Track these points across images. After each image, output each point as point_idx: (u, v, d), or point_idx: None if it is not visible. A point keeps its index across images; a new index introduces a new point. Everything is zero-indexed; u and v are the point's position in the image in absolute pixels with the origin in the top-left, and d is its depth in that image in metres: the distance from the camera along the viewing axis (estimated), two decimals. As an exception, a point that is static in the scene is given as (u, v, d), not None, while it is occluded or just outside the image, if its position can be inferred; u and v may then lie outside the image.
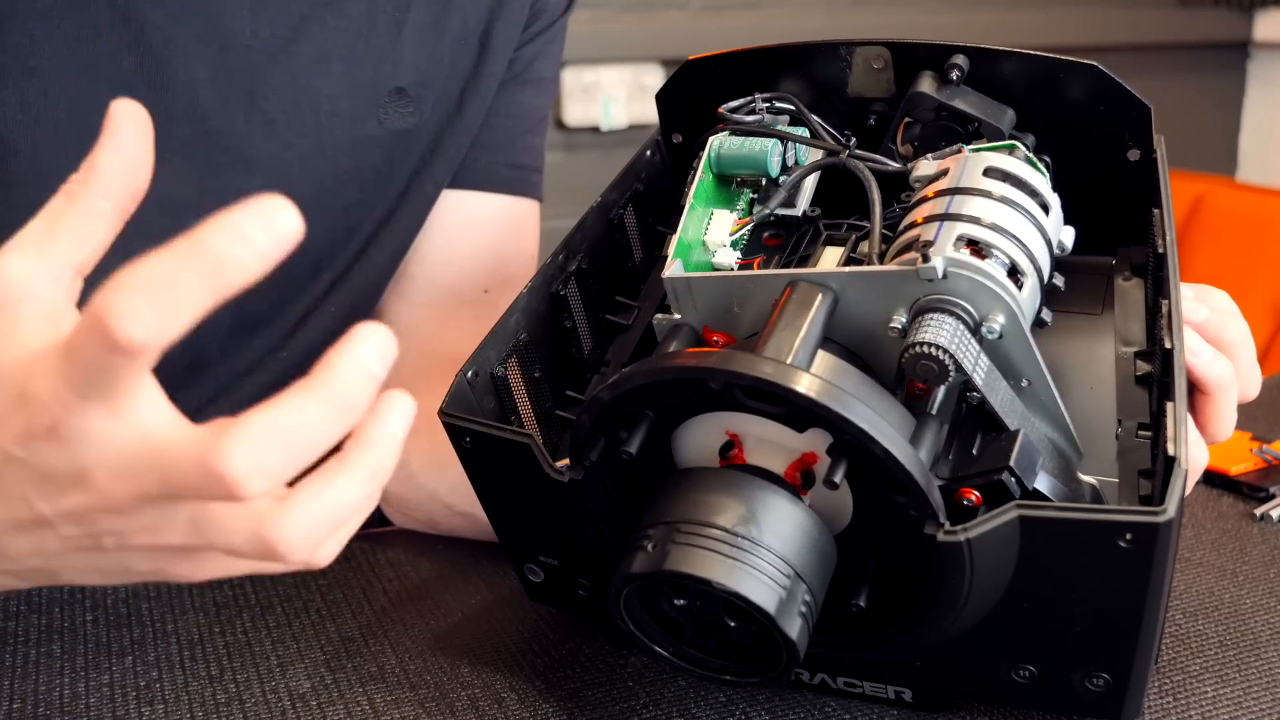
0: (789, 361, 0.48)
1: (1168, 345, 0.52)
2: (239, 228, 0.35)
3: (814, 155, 0.60)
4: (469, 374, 0.59)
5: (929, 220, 0.52)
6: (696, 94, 0.65)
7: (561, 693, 0.57)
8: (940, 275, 0.49)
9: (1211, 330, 0.56)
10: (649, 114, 2.11)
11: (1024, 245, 0.51)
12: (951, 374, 0.49)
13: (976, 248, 0.50)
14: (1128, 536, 0.45)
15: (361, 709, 0.56)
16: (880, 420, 0.46)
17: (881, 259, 0.54)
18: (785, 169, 0.60)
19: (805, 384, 0.46)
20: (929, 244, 0.50)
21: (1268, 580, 0.68)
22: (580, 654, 0.60)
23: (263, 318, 0.71)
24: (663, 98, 0.67)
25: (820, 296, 0.51)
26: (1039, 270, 0.52)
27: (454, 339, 0.75)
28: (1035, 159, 0.56)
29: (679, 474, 0.50)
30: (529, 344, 0.61)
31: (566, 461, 0.53)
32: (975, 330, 0.50)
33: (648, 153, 0.67)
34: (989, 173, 0.53)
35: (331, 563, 0.69)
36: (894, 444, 0.46)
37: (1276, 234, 2.11)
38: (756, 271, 0.53)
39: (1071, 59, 0.57)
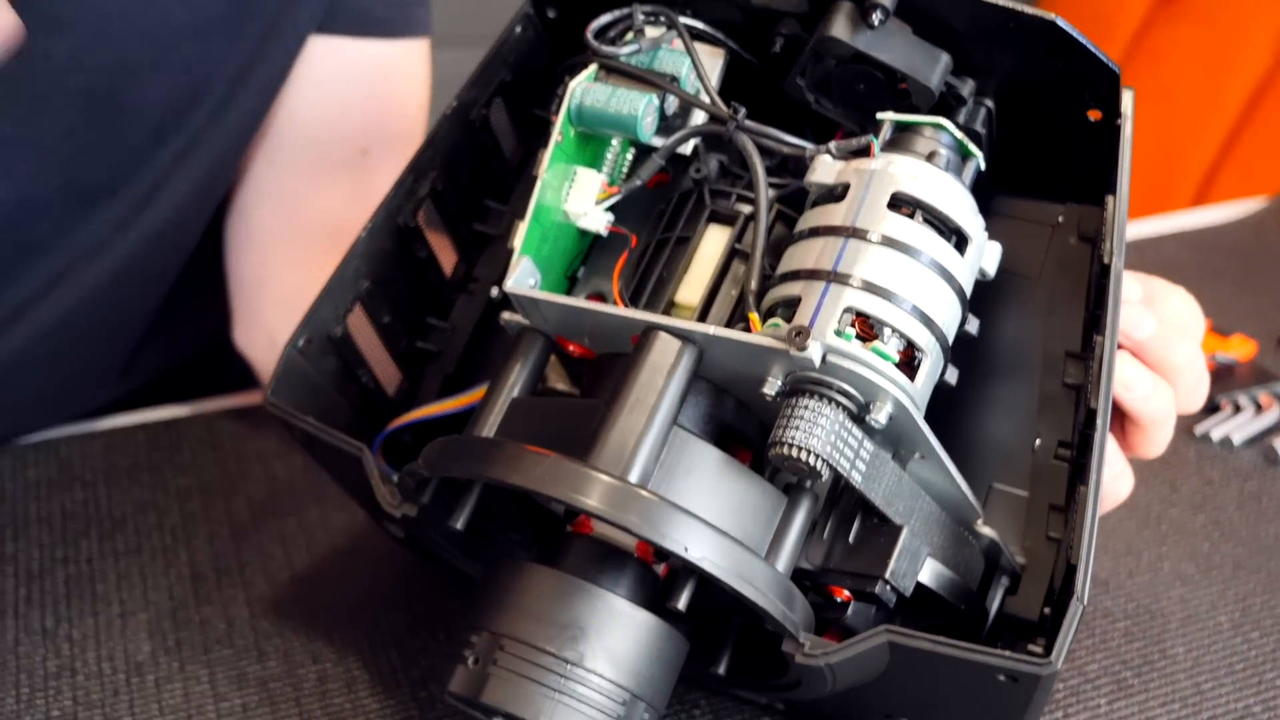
0: (628, 476, 0.41)
1: (1092, 405, 0.44)
2: None
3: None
4: (300, 343, 0.51)
5: (814, 277, 0.42)
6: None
7: (415, 673, 0.53)
8: (817, 364, 0.41)
9: (1154, 354, 0.47)
10: None
11: (925, 315, 0.42)
12: (824, 475, 0.41)
13: (866, 322, 0.41)
14: (1006, 675, 0.41)
15: (200, 690, 0.53)
16: (726, 546, 0.40)
17: (760, 296, 0.44)
18: (666, 119, 0.48)
19: (637, 516, 0.39)
20: (805, 332, 0.40)
21: (1181, 552, 0.61)
22: (446, 611, 0.56)
23: (101, 189, 0.61)
24: (533, -35, 0.54)
25: (679, 355, 0.43)
26: (943, 342, 0.43)
27: (327, 205, 0.66)
28: (966, 142, 0.45)
29: (511, 568, 0.44)
30: (373, 291, 0.53)
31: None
32: (859, 417, 0.42)
33: (517, 29, 0.54)
34: (896, 203, 0.43)
35: (196, 455, 0.65)
36: (740, 580, 0.40)
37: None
38: (608, 310, 0.44)
39: (1026, 12, 0.44)
